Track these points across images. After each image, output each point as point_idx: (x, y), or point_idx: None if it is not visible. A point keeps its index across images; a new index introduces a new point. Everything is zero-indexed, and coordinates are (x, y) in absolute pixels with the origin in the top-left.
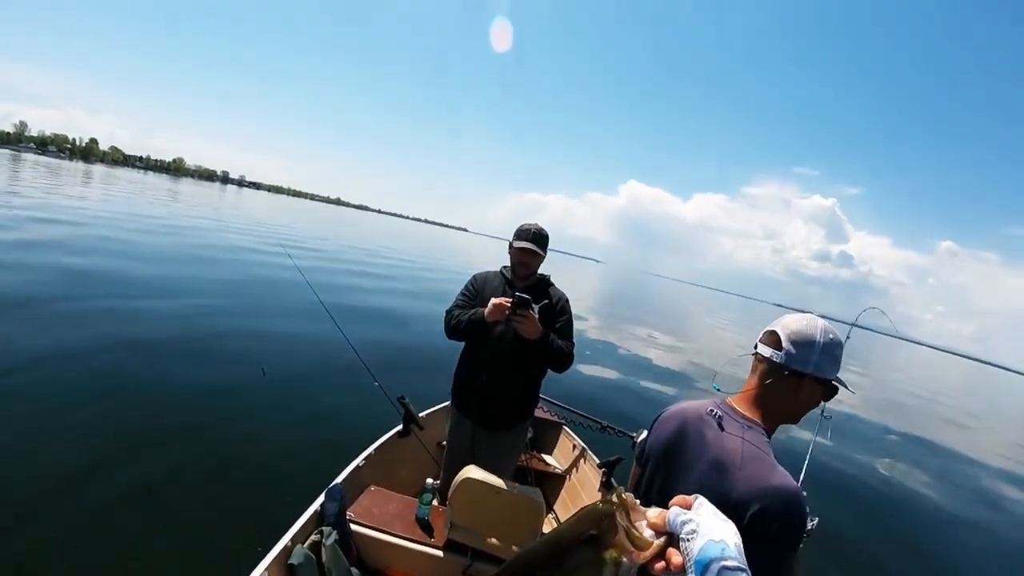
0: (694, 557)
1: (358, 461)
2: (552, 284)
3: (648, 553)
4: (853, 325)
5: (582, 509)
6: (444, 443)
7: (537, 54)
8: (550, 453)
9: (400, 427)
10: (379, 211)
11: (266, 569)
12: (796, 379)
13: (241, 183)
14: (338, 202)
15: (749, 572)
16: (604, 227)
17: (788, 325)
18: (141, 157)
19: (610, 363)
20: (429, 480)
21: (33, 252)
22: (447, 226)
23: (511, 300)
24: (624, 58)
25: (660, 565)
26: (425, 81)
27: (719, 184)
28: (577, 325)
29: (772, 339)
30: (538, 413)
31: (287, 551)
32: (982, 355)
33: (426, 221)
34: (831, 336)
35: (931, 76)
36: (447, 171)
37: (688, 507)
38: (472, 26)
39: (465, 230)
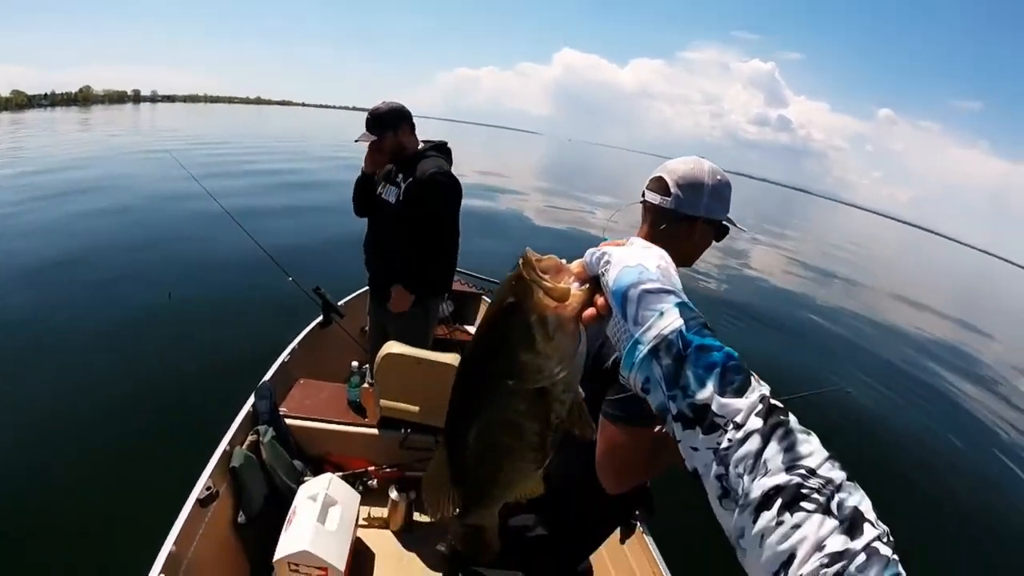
0: (610, 289)
1: (283, 357)
2: (427, 157)
3: (574, 303)
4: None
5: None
6: (367, 328)
7: None
8: (473, 324)
9: (320, 318)
10: (303, 104)
11: (209, 476)
12: (688, 223)
13: (154, 99)
14: (258, 101)
15: (680, 294)
16: (541, 98)
17: (675, 170)
18: (46, 94)
19: (528, 230)
20: (355, 363)
21: None
22: None
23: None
24: None
25: (589, 312)
26: None
27: (656, 49)
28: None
29: (660, 185)
30: (457, 287)
31: (227, 455)
32: (917, 220)
33: (354, 108)
34: (719, 178)
35: None
36: (371, 54)
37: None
38: None
39: None
